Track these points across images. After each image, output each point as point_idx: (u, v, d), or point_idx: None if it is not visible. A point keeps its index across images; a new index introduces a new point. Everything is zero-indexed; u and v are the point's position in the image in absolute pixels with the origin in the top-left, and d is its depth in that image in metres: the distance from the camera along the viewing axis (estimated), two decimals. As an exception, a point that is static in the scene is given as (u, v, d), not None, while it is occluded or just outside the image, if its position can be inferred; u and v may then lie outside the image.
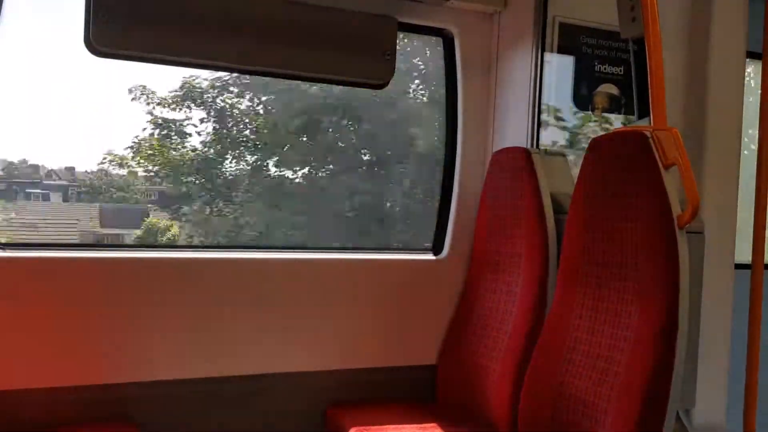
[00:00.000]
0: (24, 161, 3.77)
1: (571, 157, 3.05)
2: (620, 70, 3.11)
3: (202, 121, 3.69)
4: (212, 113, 3.72)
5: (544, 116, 3.04)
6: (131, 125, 3.55)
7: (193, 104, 3.63)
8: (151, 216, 3.82)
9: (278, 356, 2.86)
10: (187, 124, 3.65)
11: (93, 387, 2.58)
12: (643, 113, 3.08)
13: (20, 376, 2.48)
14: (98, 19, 2.50)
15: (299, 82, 3.51)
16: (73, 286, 2.57)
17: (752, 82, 3.79)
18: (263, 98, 3.90)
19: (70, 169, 3.93)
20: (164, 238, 3.77)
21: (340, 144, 4.16)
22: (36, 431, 2.42)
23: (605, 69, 3.09)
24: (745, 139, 3.10)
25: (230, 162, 3.82)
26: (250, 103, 3.88)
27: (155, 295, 2.68)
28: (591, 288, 2.38)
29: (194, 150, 3.75)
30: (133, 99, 3.51)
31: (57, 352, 2.53)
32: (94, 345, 2.59)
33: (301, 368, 2.90)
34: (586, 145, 2.55)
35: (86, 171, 3.80)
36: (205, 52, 2.70)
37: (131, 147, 3.62)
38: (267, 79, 3.71)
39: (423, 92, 4.16)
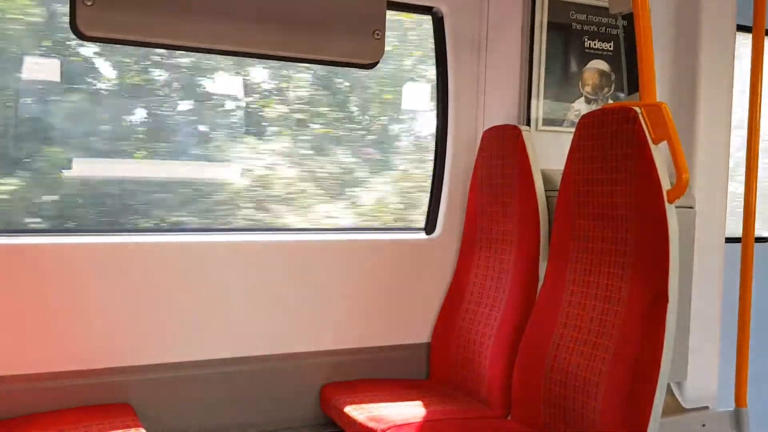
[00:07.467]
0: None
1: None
2: (610, 46, 3.10)
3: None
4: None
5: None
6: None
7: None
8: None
9: (273, 337, 2.88)
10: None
11: (90, 371, 2.58)
12: (633, 89, 3.08)
13: (17, 360, 2.49)
14: (83, 1, 2.47)
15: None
16: (68, 271, 2.56)
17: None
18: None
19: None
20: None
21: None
22: (33, 416, 2.43)
23: (595, 45, 3.08)
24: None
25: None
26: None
27: (150, 278, 2.68)
28: (582, 263, 2.39)
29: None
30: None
31: (53, 337, 2.54)
32: (90, 329, 2.59)
33: (295, 349, 2.91)
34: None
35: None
36: (190, 34, 2.67)
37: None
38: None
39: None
